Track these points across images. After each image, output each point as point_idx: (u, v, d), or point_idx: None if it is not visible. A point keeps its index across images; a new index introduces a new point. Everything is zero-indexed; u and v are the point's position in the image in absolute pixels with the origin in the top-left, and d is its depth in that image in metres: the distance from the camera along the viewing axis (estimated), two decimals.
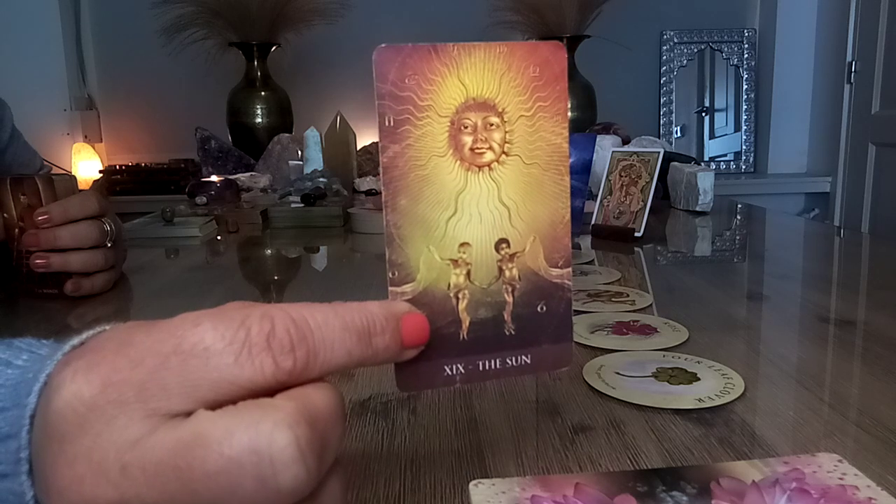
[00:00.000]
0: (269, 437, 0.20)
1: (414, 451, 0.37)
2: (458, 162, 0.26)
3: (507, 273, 0.28)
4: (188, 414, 0.20)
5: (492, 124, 0.27)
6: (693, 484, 0.30)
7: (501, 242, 0.27)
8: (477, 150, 0.26)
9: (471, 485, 0.31)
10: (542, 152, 0.27)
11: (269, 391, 0.21)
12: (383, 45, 0.25)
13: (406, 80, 0.25)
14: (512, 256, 0.28)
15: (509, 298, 0.28)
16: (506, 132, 0.27)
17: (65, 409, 0.20)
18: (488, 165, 0.27)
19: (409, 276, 0.26)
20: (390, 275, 0.26)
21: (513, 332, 0.28)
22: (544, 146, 0.27)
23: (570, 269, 0.28)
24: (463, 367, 0.27)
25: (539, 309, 0.28)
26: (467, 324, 0.27)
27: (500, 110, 0.27)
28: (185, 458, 0.19)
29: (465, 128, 0.26)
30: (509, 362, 0.28)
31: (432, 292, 0.26)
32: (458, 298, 0.27)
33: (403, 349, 0.25)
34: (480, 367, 0.28)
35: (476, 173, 0.27)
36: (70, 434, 0.20)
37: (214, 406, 0.21)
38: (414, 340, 0.25)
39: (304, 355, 0.22)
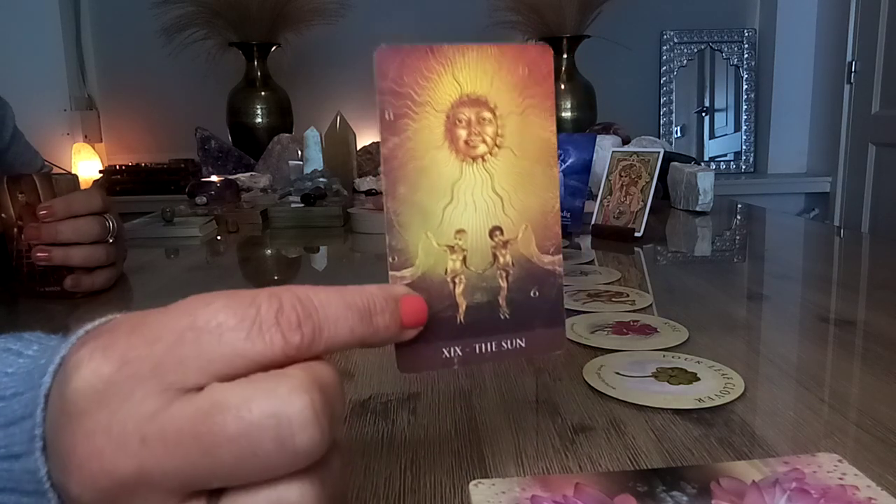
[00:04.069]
0: (286, 400, 0.20)
1: (414, 451, 0.37)
2: (454, 154, 0.28)
3: (501, 259, 0.29)
4: (200, 388, 0.21)
5: (485, 119, 0.28)
6: (693, 484, 0.30)
7: (495, 230, 0.29)
8: (471, 143, 0.28)
9: (471, 485, 0.31)
10: (532, 146, 0.29)
11: (277, 366, 0.22)
12: (384, 45, 0.26)
13: (405, 78, 0.27)
14: (505, 243, 0.29)
15: (504, 283, 0.29)
16: (498, 126, 0.28)
17: (83, 386, 0.21)
18: (482, 157, 0.28)
19: (408, 261, 0.27)
20: (390, 259, 0.27)
21: (507, 316, 0.29)
22: (534, 140, 0.29)
23: (560, 256, 0.30)
24: (460, 350, 0.28)
25: (532, 294, 0.29)
26: (464, 308, 0.28)
27: (492, 106, 0.28)
28: (206, 425, 0.20)
29: (460, 122, 0.28)
30: (505, 345, 0.29)
31: (430, 277, 0.27)
32: (454, 283, 0.28)
33: (403, 329, 0.26)
34: (477, 350, 0.29)
35: (470, 164, 0.28)
36: (89, 410, 0.21)
37: (226, 380, 0.21)
38: (413, 321, 0.26)
39: (310, 331, 0.22)
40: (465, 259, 0.28)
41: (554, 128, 0.29)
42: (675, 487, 0.30)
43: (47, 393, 0.23)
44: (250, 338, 0.21)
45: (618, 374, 0.46)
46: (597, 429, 0.39)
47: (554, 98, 0.29)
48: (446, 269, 0.28)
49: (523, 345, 0.29)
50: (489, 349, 0.29)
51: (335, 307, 0.23)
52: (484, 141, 0.28)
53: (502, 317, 0.29)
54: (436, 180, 0.27)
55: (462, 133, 0.28)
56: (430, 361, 0.28)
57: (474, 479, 0.31)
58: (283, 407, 0.20)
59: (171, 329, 0.21)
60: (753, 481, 0.30)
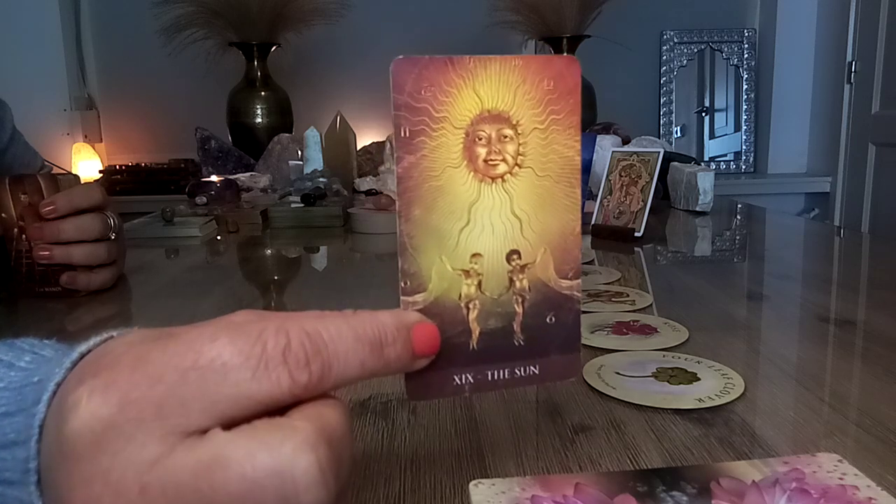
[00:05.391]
0: (291, 459, 0.20)
1: (414, 451, 0.37)
2: (472, 173, 0.26)
3: (518, 284, 0.28)
4: (204, 431, 0.20)
5: (506, 136, 0.27)
6: (693, 484, 0.30)
7: (512, 253, 0.27)
8: (491, 162, 0.27)
9: (471, 485, 0.31)
10: (555, 164, 0.28)
11: (285, 405, 0.21)
12: (401, 57, 0.25)
13: (422, 92, 0.25)
14: (523, 267, 0.28)
15: (519, 309, 0.28)
16: (519, 144, 0.27)
17: (82, 428, 0.20)
18: (501, 177, 0.27)
19: (420, 285, 0.26)
20: (402, 284, 0.26)
21: (522, 343, 0.28)
22: (557, 159, 0.28)
23: (579, 281, 0.29)
24: (472, 377, 0.27)
25: (548, 320, 0.28)
26: (477, 334, 0.27)
27: (514, 122, 0.27)
28: (207, 481, 0.19)
29: (480, 139, 0.26)
30: (518, 372, 0.28)
31: (443, 302, 0.26)
32: (468, 308, 0.27)
33: (415, 359, 0.25)
34: (489, 377, 0.28)
35: (489, 185, 0.27)
36: (87, 453, 0.20)
37: (231, 421, 0.21)
38: (425, 350, 0.25)
39: (318, 369, 0.22)
40: (480, 284, 0.27)
41: (579, 145, 0.28)
42: (675, 487, 0.30)
43: (41, 423, 0.22)
44: (256, 378, 0.21)
45: (618, 374, 0.46)
46: (597, 429, 0.39)
47: (580, 114, 0.27)
48: (460, 294, 0.27)
49: (537, 372, 0.28)
50: (502, 376, 0.28)
51: (345, 341, 0.22)
52: (504, 160, 0.27)
53: (516, 343, 0.28)
54: (452, 201, 0.26)
55: (481, 151, 0.26)
56: (441, 389, 0.27)
57: (474, 479, 0.31)
58: (287, 465, 0.20)
59: (174, 367, 0.21)
60: (753, 481, 0.30)
